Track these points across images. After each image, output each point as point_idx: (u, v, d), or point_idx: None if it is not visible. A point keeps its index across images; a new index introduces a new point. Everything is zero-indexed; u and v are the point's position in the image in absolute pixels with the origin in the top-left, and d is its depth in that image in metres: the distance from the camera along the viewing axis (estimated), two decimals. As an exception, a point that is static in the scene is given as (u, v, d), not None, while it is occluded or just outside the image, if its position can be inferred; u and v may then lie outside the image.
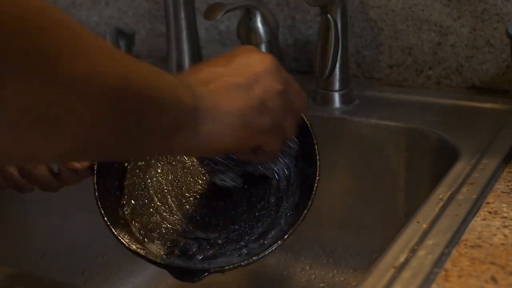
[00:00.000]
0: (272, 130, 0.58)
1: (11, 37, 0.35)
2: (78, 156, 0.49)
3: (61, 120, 0.40)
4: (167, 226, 0.66)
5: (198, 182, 0.68)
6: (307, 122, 0.64)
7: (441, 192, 0.65)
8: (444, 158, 0.78)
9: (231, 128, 0.54)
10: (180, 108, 0.50)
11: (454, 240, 0.57)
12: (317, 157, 0.64)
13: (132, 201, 0.66)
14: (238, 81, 0.55)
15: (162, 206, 0.66)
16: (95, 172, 0.63)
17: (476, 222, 0.59)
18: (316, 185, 0.64)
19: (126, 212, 0.66)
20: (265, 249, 0.62)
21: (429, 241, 0.56)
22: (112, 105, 0.43)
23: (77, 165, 0.65)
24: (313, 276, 0.91)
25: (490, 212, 0.60)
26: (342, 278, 0.90)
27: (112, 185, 0.66)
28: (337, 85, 0.90)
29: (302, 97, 0.62)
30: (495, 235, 0.57)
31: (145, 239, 0.65)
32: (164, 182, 0.67)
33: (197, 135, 0.52)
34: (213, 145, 0.55)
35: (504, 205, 0.61)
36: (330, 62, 0.87)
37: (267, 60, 0.58)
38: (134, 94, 0.45)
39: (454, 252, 0.55)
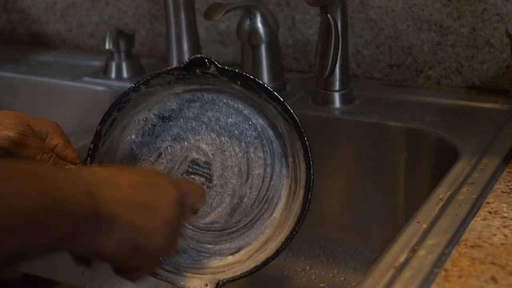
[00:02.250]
0: (153, 256, 0.57)
1: None
2: None
3: None
4: None
5: None
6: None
7: (441, 192, 0.65)
8: (444, 158, 0.78)
9: (121, 242, 0.52)
10: (71, 223, 0.48)
11: (454, 240, 0.57)
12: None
13: None
14: (144, 201, 0.54)
15: None
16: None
17: (476, 222, 0.59)
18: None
19: None
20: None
21: (429, 241, 0.56)
22: None
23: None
24: (313, 276, 0.91)
25: (490, 212, 0.60)
26: (342, 278, 0.90)
27: None
28: (337, 85, 0.90)
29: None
30: (495, 235, 0.57)
31: None
32: None
33: (84, 241, 0.50)
34: (97, 253, 0.53)
35: (504, 205, 0.61)
36: (330, 62, 0.87)
37: (175, 193, 0.56)
38: (15, 227, 0.44)
39: (454, 252, 0.55)
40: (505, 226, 0.58)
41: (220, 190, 0.68)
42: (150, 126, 0.68)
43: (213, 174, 0.68)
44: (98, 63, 1.10)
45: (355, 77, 0.97)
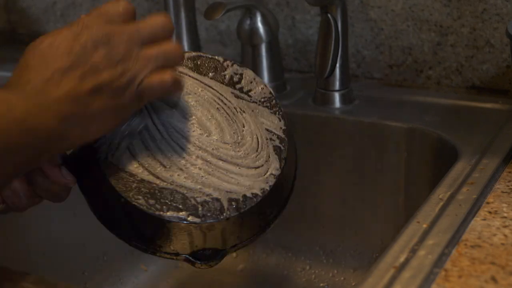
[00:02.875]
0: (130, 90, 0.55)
1: None
2: None
3: None
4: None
5: None
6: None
7: (441, 192, 0.65)
8: (444, 158, 0.78)
9: (98, 125, 0.54)
10: (37, 140, 0.50)
11: (454, 240, 0.57)
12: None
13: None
14: (93, 74, 0.53)
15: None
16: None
17: (476, 222, 0.59)
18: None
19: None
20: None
21: (429, 241, 0.57)
22: None
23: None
24: (313, 276, 0.91)
25: (490, 212, 0.60)
26: (342, 278, 0.90)
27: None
28: (337, 85, 0.90)
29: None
30: (495, 235, 0.57)
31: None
32: None
33: (62, 147, 0.54)
34: (92, 137, 0.55)
35: (504, 205, 0.61)
36: (330, 62, 0.87)
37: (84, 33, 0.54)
38: None
39: (454, 252, 0.55)
40: (505, 226, 0.58)
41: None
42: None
43: None
44: (98, 63, 1.10)
45: (355, 77, 0.97)
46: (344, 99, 0.90)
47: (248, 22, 0.92)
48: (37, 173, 0.57)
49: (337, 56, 0.87)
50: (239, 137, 0.64)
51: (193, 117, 0.64)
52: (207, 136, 0.63)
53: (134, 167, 0.60)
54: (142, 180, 0.59)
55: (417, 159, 0.84)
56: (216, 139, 0.63)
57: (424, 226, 0.59)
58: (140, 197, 0.58)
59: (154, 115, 0.63)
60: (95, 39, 0.53)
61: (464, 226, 0.58)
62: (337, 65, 0.88)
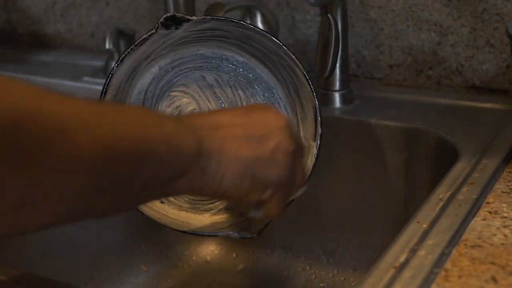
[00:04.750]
0: (277, 188, 0.57)
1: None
2: (67, 220, 0.47)
3: (45, 197, 0.40)
4: None
5: None
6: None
7: (441, 192, 0.65)
8: (444, 158, 0.78)
9: (236, 175, 0.53)
10: (179, 158, 0.49)
11: (454, 240, 0.57)
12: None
13: None
14: (250, 132, 0.54)
15: None
16: None
17: (476, 222, 0.59)
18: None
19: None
20: None
21: (429, 241, 0.56)
22: (100, 173, 0.42)
23: None
24: (313, 276, 0.91)
25: (490, 212, 0.60)
26: (342, 278, 0.90)
27: None
28: (337, 85, 0.90)
29: (303, 172, 0.62)
30: (495, 235, 0.57)
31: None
32: None
33: (198, 179, 0.51)
34: (215, 190, 0.54)
35: (504, 205, 0.61)
36: (330, 62, 0.87)
37: (282, 119, 0.57)
38: (124, 156, 0.44)
39: (454, 252, 0.55)
40: (505, 226, 0.58)
41: None
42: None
43: None
44: (98, 63, 1.10)
45: (355, 77, 0.97)
46: (344, 99, 0.90)
47: (248, 22, 0.92)
48: None
49: (337, 56, 0.87)
50: None
51: None
52: None
53: None
54: None
55: (417, 159, 0.84)
56: None
57: (424, 226, 0.59)
58: None
59: None
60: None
61: (464, 226, 0.58)
62: (337, 65, 0.88)
